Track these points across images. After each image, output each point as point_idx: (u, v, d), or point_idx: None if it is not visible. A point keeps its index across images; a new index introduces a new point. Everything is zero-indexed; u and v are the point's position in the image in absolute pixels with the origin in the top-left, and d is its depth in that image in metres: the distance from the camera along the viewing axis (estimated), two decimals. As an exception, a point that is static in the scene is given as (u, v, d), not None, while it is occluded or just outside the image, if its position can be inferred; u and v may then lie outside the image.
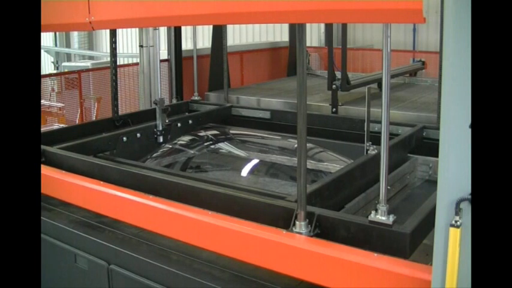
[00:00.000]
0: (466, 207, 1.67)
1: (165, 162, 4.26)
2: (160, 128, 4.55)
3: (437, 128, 2.46)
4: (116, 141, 4.17)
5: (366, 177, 3.16)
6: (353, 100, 6.04)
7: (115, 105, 4.92)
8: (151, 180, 3.17)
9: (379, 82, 5.91)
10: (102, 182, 3.26)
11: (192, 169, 4.17)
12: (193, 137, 4.67)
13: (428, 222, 2.27)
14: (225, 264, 2.57)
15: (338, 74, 6.09)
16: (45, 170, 3.44)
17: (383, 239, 2.29)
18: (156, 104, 4.58)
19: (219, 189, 2.89)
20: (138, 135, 4.39)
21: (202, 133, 4.77)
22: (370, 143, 3.38)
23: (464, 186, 1.65)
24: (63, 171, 3.48)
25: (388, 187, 3.21)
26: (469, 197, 1.65)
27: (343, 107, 5.80)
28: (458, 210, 1.68)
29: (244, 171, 3.90)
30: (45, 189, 3.23)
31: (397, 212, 3.10)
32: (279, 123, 5.10)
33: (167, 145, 4.54)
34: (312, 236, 2.39)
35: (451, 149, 1.68)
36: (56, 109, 7.93)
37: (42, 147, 3.64)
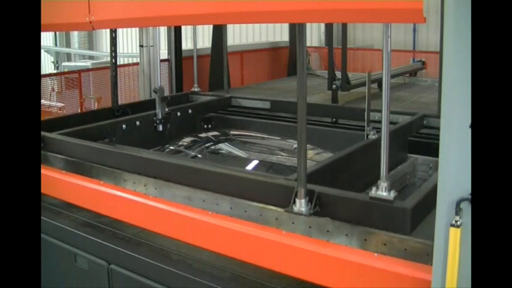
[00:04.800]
0: (466, 207, 1.67)
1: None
2: (160, 117, 4.52)
3: (438, 117, 2.45)
4: (115, 129, 4.15)
5: (366, 161, 3.14)
6: (353, 100, 6.03)
7: (115, 95, 4.90)
8: (151, 162, 3.15)
9: (379, 82, 5.92)
10: (102, 182, 3.26)
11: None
12: (194, 138, 4.67)
13: (429, 200, 2.23)
14: (225, 264, 2.57)
15: (338, 74, 6.10)
16: (45, 170, 3.43)
17: (384, 215, 2.27)
18: (155, 92, 4.56)
19: (219, 169, 2.88)
20: (138, 123, 4.36)
21: (203, 134, 4.76)
22: (371, 127, 3.36)
23: (464, 186, 1.65)
24: (63, 171, 3.48)
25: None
26: (469, 197, 1.65)
27: (343, 106, 5.80)
28: (458, 210, 1.68)
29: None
30: (45, 189, 3.23)
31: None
32: (279, 113, 5.08)
33: (167, 146, 4.53)
34: (312, 214, 2.37)
35: (451, 149, 1.68)
36: (56, 109, 7.92)
37: (42, 133, 3.62)
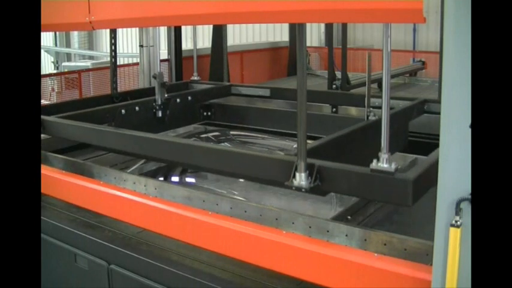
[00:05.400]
0: (466, 207, 1.67)
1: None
2: (159, 102, 4.48)
3: (438, 102, 2.43)
4: (114, 114, 4.12)
5: (366, 142, 3.12)
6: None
7: (114, 82, 4.89)
8: (151, 142, 3.13)
9: (379, 82, 5.92)
10: (102, 182, 3.26)
11: (193, 169, 4.17)
12: (194, 138, 4.67)
13: (431, 174, 2.17)
14: (225, 264, 2.57)
15: (338, 74, 6.11)
16: (45, 170, 3.44)
17: (385, 188, 2.24)
18: (154, 78, 4.54)
19: (220, 147, 2.88)
20: (137, 108, 4.32)
21: (203, 135, 4.75)
22: (371, 108, 3.35)
23: (464, 186, 1.65)
24: (63, 171, 3.48)
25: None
26: (469, 197, 1.65)
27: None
28: (458, 210, 1.68)
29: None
30: (45, 189, 3.23)
31: (397, 212, 3.11)
32: (279, 100, 5.07)
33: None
34: (312, 188, 2.36)
35: (451, 149, 1.68)
36: (56, 109, 7.91)
37: (41, 117, 3.61)
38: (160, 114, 4.47)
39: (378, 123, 2.43)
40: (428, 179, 2.26)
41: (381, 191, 2.27)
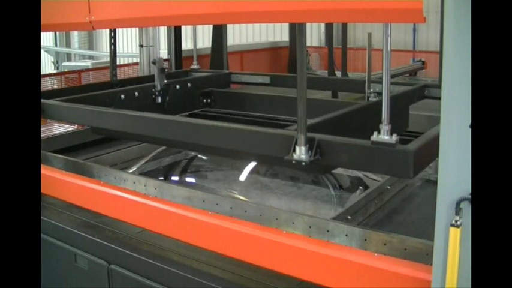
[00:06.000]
0: (466, 207, 1.67)
1: (164, 162, 4.26)
2: (159, 88, 4.47)
3: (439, 87, 2.42)
4: (114, 99, 4.10)
5: (366, 121, 3.11)
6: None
7: (113, 69, 4.87)
8: (151, 122, 3.13)
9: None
10: (102, 182, 3.26)
11: (193, 169, 4.17)
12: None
13: (432, 147, 2.16)
14: (225, 264, 2.57)
15: (338, 74, 6.10)
16: (45, 170, 3.44)
17: (386, 160, 2.23)
18: (154, 64, 4.52)
19: (219, 123, 2.87)
20: (136, 94, 4.31)
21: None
22: (371, 90, 3.33)
23: (464, 186, 1.65)
24: (63, 171, 3.48)
25: (388, 186, 3.22)
26: (469, 197, 1.65)
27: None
28: (458, 210, 1.68)
29: (245, 172, 3.90)
30: (45, 189, 3.23)
31: (397, 212, 3.11)
32: (279, 88, 5.05)
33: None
34: (312, 161, 2.34)
35: (451, 149, 1.68)
36: (56, 109, 7.91)
37: (41, 100, 3.59)
38: (159, 100, 4.44)
39: (378, 104, 2.40)
40: (430, 152, 2.24)
41: (381, 163, 2.25)
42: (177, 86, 4.64)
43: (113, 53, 4.95)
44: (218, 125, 2.84)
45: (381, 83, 2.29)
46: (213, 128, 2.86)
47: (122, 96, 4.15)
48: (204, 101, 4.86)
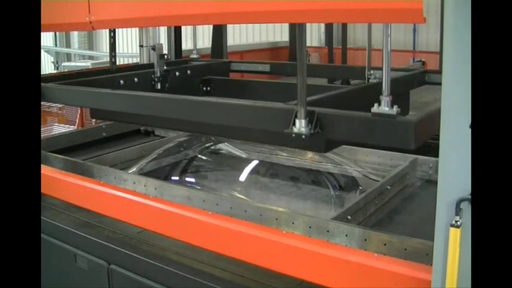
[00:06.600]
0: (466, 207, 1.67)
1: (164, 162, 4.25)
2: (158, 75, 4.43)
3: (439, 72, 2.40)
4: (113, 84, 4.07)
5: (366, 101, 3.11)
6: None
7: (113, 56, 4.86)
8: (152, 100, 3.13)
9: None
10: (102, 182, 3.26)
11: (193, 169, 4.17)
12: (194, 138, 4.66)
13: (433, 121, 2.14)
14: (225, 264, 2.57)
15: (338, 74, 6.09)
16: (45, 170, 3.44)
17: (387, 131, 2.22)
18: (153, 49, 4.50)
19: (218, 100, 2.87)
20: (136, 79, 4.29)
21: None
22: (372, 71, 3.31)
23: (464, 186, 1.65)
24: (63, 171, 3.48)
25: (388, 186, 3.22)
26: (469, 197, 1.65)
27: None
28: (458, 210, 1.68)
29: (245, 172, 3.90)
30: (45, 189, 3.24)
31: (397, 212, 3.11)
32: (279, 75, 5.01)
33: (167, 145, 4.53)
34: (312, 134, 2.33)
35: (451, 149, 1.68)
36: (56, 109, 7.92)
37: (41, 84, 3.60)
38: (159, 86, 4.40)
39: (378, 85, 2.39)
40: (431, 125, 2.23)
41: (382, 135, 2.23)
42: (177, 73, 4.61)
43: (113, 40, 4.91)
44: (218, 102, 2.84)
45: (380, 69, 2.28)
46: (214, 105, 2.85)
47: (121, 81, 4.13)
48: (204, 88, 4.84)
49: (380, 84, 2.29)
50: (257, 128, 2.57)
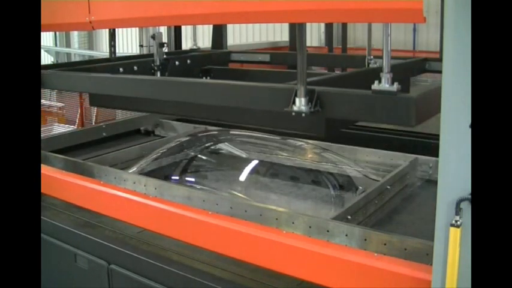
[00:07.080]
0: (466, 207, 1.67)
1: (164, 162, 4.25)
2: (158, 63, 4.41)
3: (440, 60, 2.39)
4: (112, 72, 4.06)
5: (366, 85, 3.11)
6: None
7: (112, 46, 4.86)
8: (152, 83, 3.13)
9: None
10: (102, 182, 3.26)
11: (193, 169, 4.17)
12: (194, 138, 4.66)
13: (434, 99, 2.08)
14: (225, 264, 2.57)
15: (338, 74, 6.09)
16: (45, 170, 3.44)
17: (387, 108, 2.21)
18: (153, 38, 4.50)
19: (218, 81, 2.88)
20: (135, 68, 4.26)
21: (203, 134, 4.74)
22: (372, 56, 3.30)
23: (464, 186, 1.65)
24: (63, 171, 3.48)
25: (388, 186, 3.22)
26: (469, 197, 1.65)
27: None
28: (458, 210, 1.68)
29: (245, 172, 3.90)
30: (45, 189, 3.24)
31: (397, 212, 3.11)
32: (279, 65, 5.00)
33: (167, 145, 4.53)
34: (312, 112, 2.32)
35: (451, 149, 1.68)
36: (56, 109, 7.93)
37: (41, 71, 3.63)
38: (158, 75, 4.39)
39: (378, 69, 2.38)
40: (431, 103, 2.21)
41: (383, 112, 2.22)
42: (176, 62, 4.61)
43: (112, 30, 4.90)
44: (219, 82, 2.84)
45: (381, 57, 2.27)
46: (214, 86, 2.85)
47: (121, 69, 4.12)
48: (204, 78, 4.85)
49: (380, 68, 2.27)
50: (257, 107, 2.56)
